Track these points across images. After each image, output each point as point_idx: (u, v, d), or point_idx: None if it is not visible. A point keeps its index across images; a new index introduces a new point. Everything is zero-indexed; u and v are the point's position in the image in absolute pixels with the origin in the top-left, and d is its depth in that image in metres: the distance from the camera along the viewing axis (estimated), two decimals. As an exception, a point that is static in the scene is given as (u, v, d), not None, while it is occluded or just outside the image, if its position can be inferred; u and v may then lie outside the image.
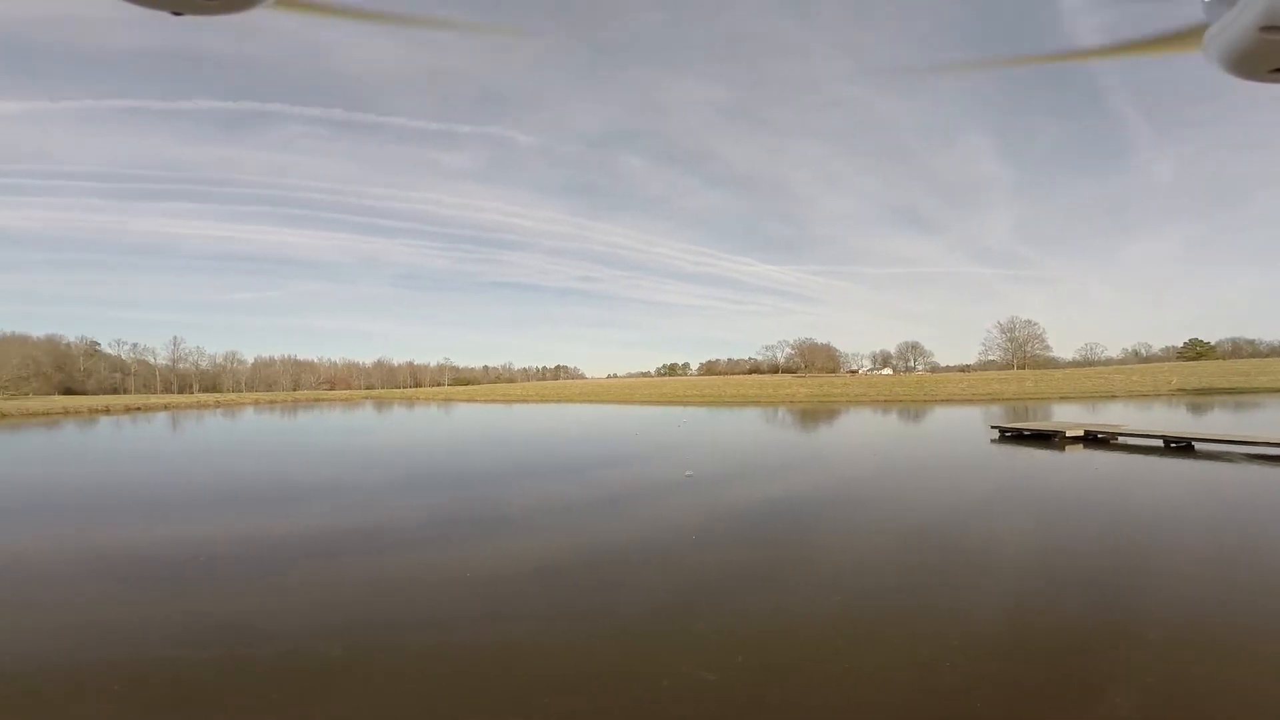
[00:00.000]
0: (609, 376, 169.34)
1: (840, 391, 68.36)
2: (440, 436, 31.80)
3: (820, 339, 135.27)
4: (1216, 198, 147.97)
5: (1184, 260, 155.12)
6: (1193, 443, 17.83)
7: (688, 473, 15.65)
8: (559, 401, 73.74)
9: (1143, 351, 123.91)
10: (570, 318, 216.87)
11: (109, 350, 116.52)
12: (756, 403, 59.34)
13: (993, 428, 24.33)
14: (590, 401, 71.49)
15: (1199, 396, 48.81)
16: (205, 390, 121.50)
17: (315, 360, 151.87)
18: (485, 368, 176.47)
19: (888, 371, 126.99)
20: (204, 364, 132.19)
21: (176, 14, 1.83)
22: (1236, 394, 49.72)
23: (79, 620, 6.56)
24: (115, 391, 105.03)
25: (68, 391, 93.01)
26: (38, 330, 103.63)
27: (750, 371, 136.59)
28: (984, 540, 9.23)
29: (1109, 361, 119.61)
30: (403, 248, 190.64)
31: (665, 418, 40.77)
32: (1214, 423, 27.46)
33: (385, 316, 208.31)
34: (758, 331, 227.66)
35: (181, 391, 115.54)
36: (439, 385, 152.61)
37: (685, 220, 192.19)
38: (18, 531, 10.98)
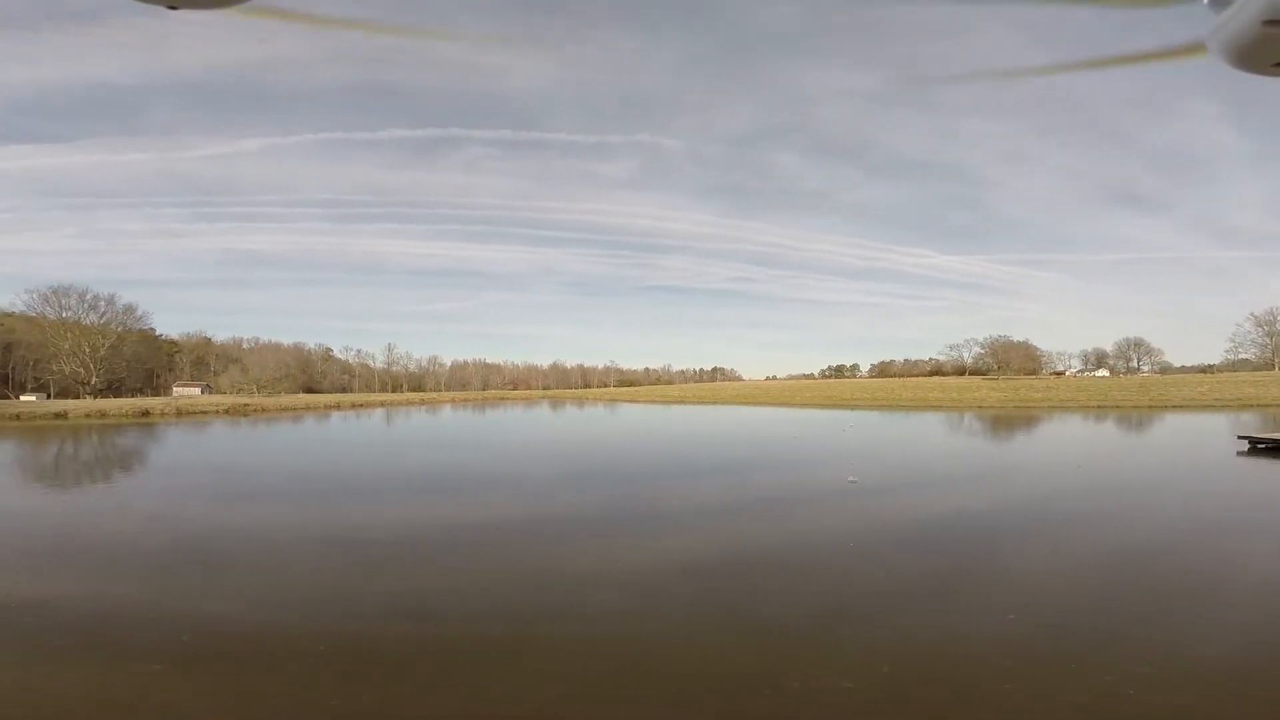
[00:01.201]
0: (767, 378, 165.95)
1: (1041, 396, 60.21)
2: (603, 435, 33.28)
3: (1017, 336, 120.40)
4: None
5: None
6: None
7: (851, 479, 14.83)
8: (715, 403, 73.73)
9: None
10: (726, 319, 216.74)
11: (339, 355, 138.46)
12: (938, 407, 54.46)
13: (1240, 437, 19.96)
14: (747, 403, 70.54)
15: None
16: (412, 389, 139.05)
17: (501, 363, 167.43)
18: (646, 369, 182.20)
19: (1103, 373, 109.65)
20: (411, 367, 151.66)
21: (171, 8, 2.01)
22: None
23: (294, 594, 7.58)
24: (344, 390, 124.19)
25: (309, 390, 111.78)
26: (285, 339, 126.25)
27: (931, 373, 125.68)
28: (1207, 572, 7.64)
29: None
30: (570, 256, 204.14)
31: (830, 421, 38.99)
32: None
33: (558, 322, 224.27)
34: (939, 329, 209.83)
35: (394, 390, 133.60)
36: (605, 386, 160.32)
37: (847, 214, 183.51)
38: (272, 511, 13.32)
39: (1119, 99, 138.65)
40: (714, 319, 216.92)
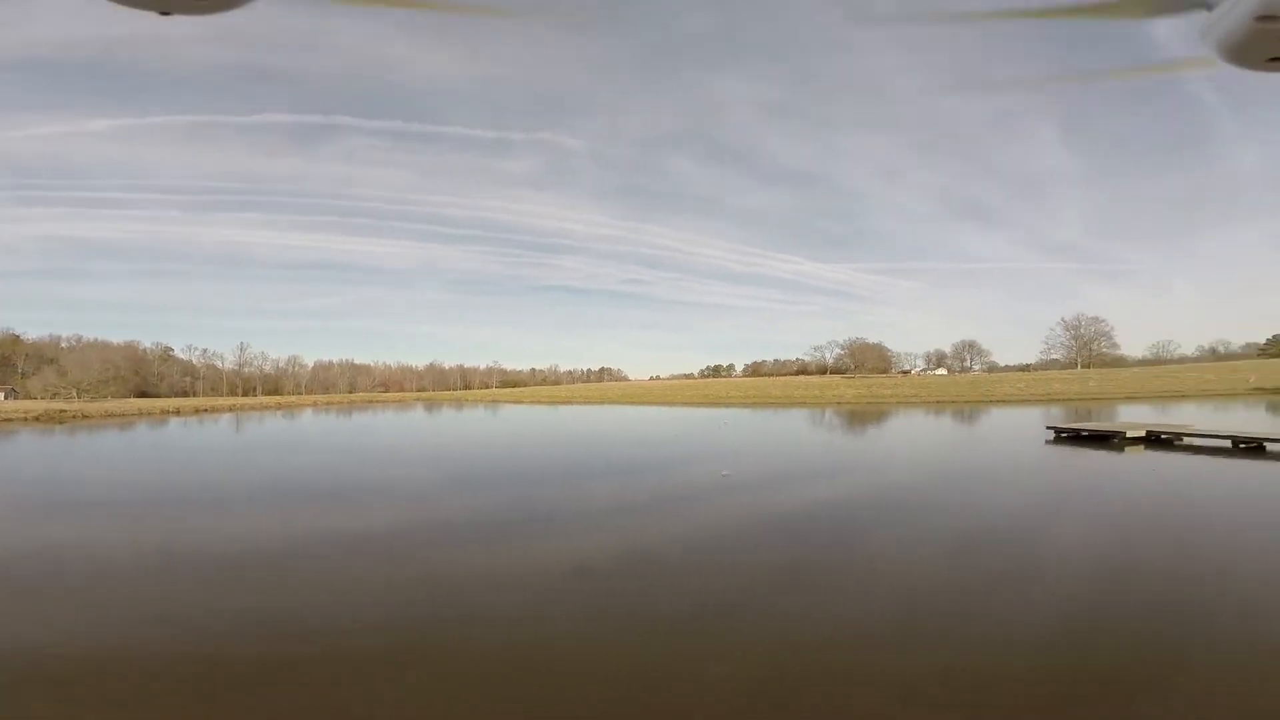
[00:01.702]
0: (652, 379, 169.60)
1: (890, 393, 66.64)
2: (485, 437, 32.54)
3: (873, 339, 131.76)
4: None
5: (1270, 253, 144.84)
6: (1265, 443, 16.73)
7: (724, 472, 15.64)
8: (601, 403, 74.36)
9: (1221, 349, 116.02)
10: (617, 320, 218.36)
11: (181, 355, 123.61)
12: (803, 404, 58.48)
13: (1048, 428, 23.36)
14: (632, 403, 71.85)
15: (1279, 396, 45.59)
16: (268, 393, 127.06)
17: (371, 364, 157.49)
18: (533, 370, 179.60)
19: (942, 372, 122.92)
20: (267, 368, 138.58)
21: (164, 14, 1.90)
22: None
23: (139, 614, 6.92)
24: (185, 394, 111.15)
25: (142, 394, 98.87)
26: (120, 337, 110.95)
27: (797, 373, 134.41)
28: (1030, 550, 8.88)
29: (1183, 359, 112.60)
30: (460, 254, 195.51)
31: (707, 419, 40.66)
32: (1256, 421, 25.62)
33: (440, 321, 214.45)
34: (808, 332, 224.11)
35: (246, 394, 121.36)
36: (487, 387, 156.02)
37: (735, 220, 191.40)
38: (92, 525, 11.76)
39: (979, 119, 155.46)
40: (607, 320, 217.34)
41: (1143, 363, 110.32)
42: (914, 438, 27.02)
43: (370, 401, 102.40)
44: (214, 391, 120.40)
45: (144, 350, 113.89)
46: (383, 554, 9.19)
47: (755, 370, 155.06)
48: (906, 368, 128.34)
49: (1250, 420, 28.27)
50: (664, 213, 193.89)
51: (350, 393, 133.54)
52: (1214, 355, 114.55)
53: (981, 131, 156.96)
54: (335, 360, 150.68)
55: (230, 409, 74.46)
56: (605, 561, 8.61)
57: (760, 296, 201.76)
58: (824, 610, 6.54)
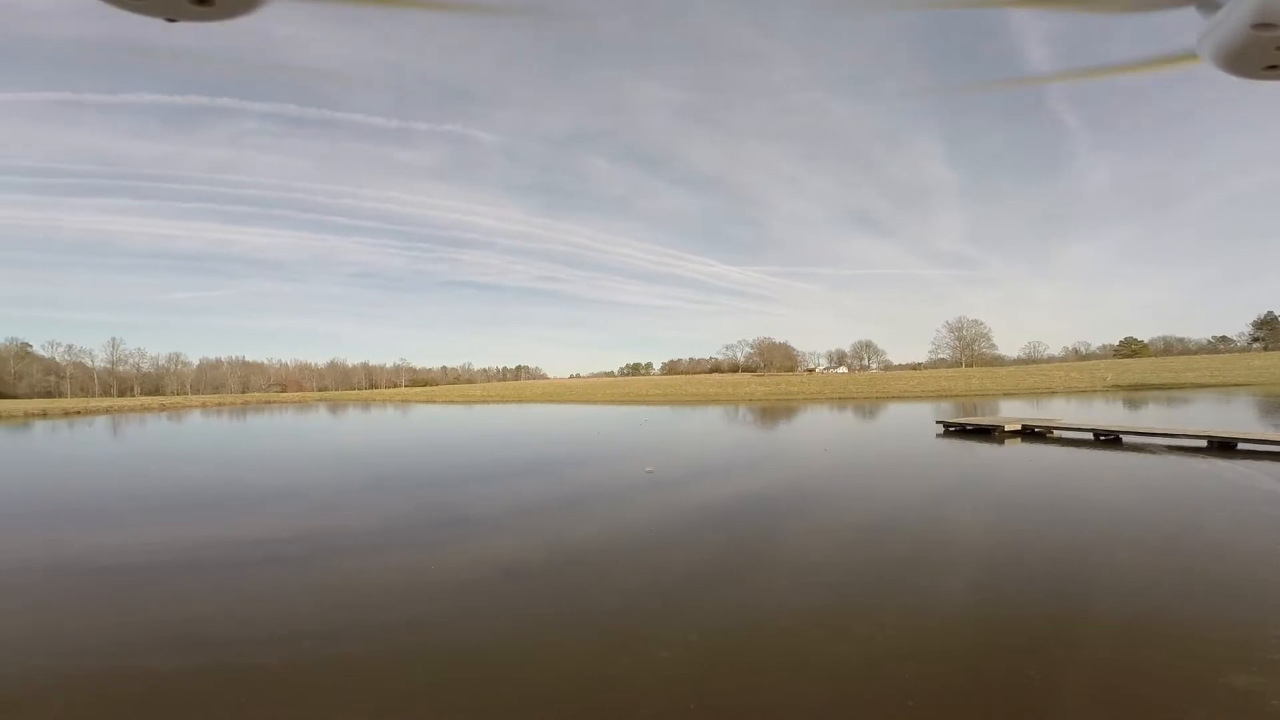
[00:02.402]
0: (571, 377, 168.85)
1: (798, 390, 69.79)
2: (396, 439, 31.34)
3: (779, 338, 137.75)
4: (1150, 202, 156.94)
5: (1120, 262, 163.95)
6: (1120, 435, 19.00)
7: (648, 469, 15.94)
8: (519, 402, 73.24)
9: (1082, 349, 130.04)
10: (532, 318, 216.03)
11: (41, 352, 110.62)
12: (718, 401, 60.13)
13: (937, 423, 25.32)
14: (552, 401, 71.25)
15: (1132, 392, 51.63)
16: (147, 393, 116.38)
17: (265, 362, 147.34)
18: (444, 369, 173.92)
19: (843, 370, 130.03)
20: (145, 366, 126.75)
21: (170, 20, 1.84)
22: (1166, 389, 52.78)
23: (29, 630, 6.42)
24: (50, 395, 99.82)
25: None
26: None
27: (711, 371, 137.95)
28: (931, 535, 9.65)
29: (1051, 359, 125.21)
30: (357, 246, 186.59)
31: (628, 417, 41.03)
32: (1142, 417, 29.19)
33: (339, 316, 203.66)
34: (719, 331, 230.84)
35: (122, 394, 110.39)
36: (396, 386, 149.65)
37: (648, 221, 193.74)
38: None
39: (871, 132, 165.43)
40: (520, 317, 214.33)
41: (1017, 362, 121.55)
42: (822, 432, 28.50)
43: (266, 401, 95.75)
44: (84, 392, 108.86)
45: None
46: (299, 563, 8.81)
47: (672, 368, 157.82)
48: (811, 366, 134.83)
49: (1107, 413, 31.88)
50: (579, 211, 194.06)
51: (243, 392, 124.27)
52: (1077, 355, 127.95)
53: (870, 143, 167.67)
54: (224, 358, 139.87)
55: (106, 410, 67.51)
56: (534, 562, 8.61)
57: (674, 296, 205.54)
58: (752, 599, 6.86)
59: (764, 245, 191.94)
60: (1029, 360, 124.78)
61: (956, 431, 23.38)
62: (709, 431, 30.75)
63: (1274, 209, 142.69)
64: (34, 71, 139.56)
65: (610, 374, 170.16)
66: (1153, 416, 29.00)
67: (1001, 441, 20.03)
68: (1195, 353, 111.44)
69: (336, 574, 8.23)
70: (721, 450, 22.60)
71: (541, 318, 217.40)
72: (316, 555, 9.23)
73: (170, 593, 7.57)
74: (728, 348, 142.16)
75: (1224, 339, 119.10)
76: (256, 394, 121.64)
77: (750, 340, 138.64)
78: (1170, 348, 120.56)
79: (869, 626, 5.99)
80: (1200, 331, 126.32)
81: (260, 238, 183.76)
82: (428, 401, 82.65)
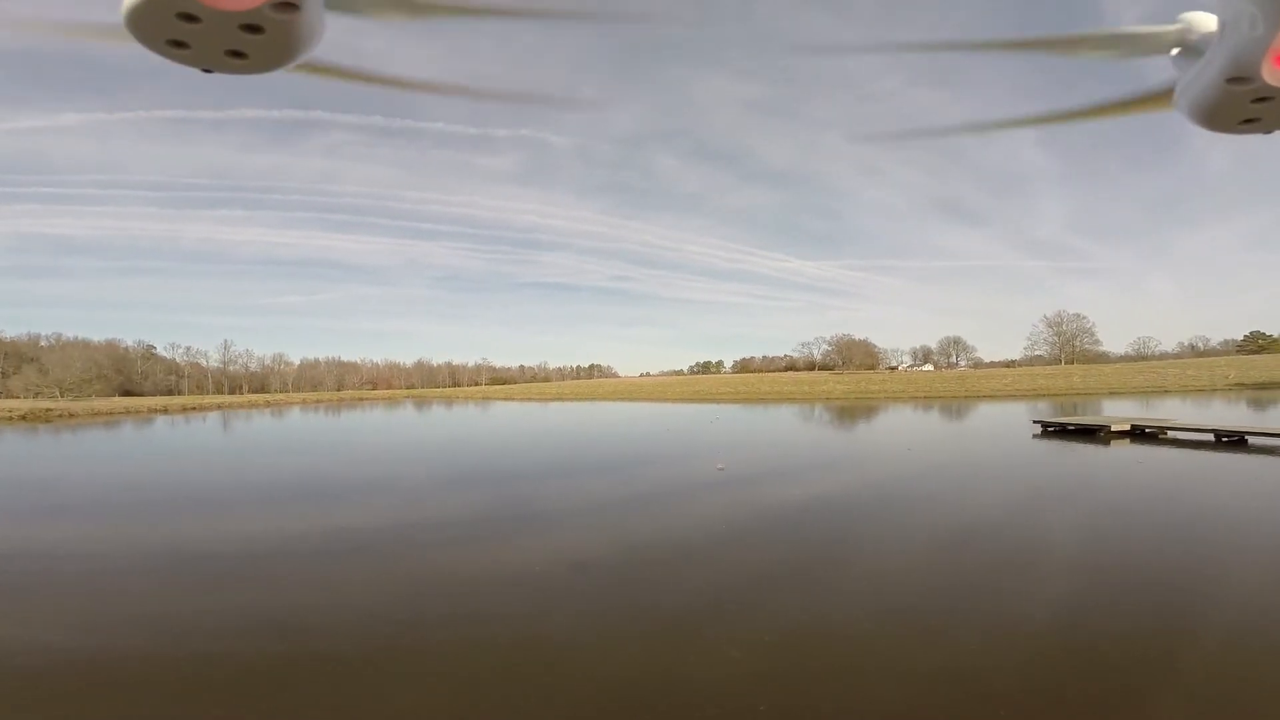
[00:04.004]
0: (642, 375, 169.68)
1: (879, 388, 67.17)
2: (478, 435, 32.38)
3: (858, 335, 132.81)
4: (1275, 187, 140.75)
5: (1244, 251, 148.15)
6: (1246, 436, 17.14)
7: (719, 466, 15.77)
8: (592, 399, 74.32)
9: (1200, 345, 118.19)
10: (604, 317, 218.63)
11: (164, 354, 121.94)
12: (792, 400, 58.81)
13: (1035, 423, 23.71)
14: (623, 399, 71.85)
15: (1258, 391, 46.52)
16: (254, 391, 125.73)
17: (359, 361, 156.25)
18: (521, 367, 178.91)
19: (929, 367, 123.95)
20: (253, 366, 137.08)
21: (206, 71, 1.99)
22: (1302, 388, 47.23)
23: (138, 613, 6.90)
24: (170, 393, 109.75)
25: (126, 393, 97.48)
26: (98, 335, 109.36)
27: (786, 369, 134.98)
28: (1024, 542, 9.00)
29: (1163, 356, 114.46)
30: (442, 250, 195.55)
31: (699, 415, 40.82)
32: (1273, 418, 26.17)
33: (426, 317, 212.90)
34: (794, 328, 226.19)
35: (232, 392, 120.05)
36: (476, 384, 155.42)
37: (721, 218, 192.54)
38: (90, 526, 11.65)
39: (958, 119, 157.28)
40: (593, 316, 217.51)
41: (1124, 359, 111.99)
42: (905, 432, 27.32)
43: (359, 399, 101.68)
44: (199, 390, 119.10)
45: (126, 349, 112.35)
46: (385, 552, 9.07)
47: (744, 366, 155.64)
48: (893, 364, 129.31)
49: (1229, 414, 28.82)
50: (650, 210, 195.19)
51: (339, 390, 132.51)
52: (1194, 351, 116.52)
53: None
54: (321, 358, 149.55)
55: (218, 407, 73.71)
56: (605, 558, 8.63)
57: (746, 293, 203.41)
58: (825, 604, 6.62)
59: (843, 238, 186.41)
60: (1138, 357, 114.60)
61: (1056, 432, 21.81)
62: (783, 431, 30.09)
63: None
64: (152, 90, 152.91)
65: (680, 372, 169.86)
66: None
67: (1107, 443, 18.51)
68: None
69: (417, 564, 8.43)
70: (795, 449, 22.06)
71: (613, 317, 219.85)
72: (399, 546, 9.45)
73: (265, 580, 7.93)
74: (803, 345, 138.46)
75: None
76: (350, 392, 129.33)
77: (828, 337, 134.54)
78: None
79: (948, 638, 5.63)
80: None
81: (356, 244, 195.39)
82: (506, 399, 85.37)
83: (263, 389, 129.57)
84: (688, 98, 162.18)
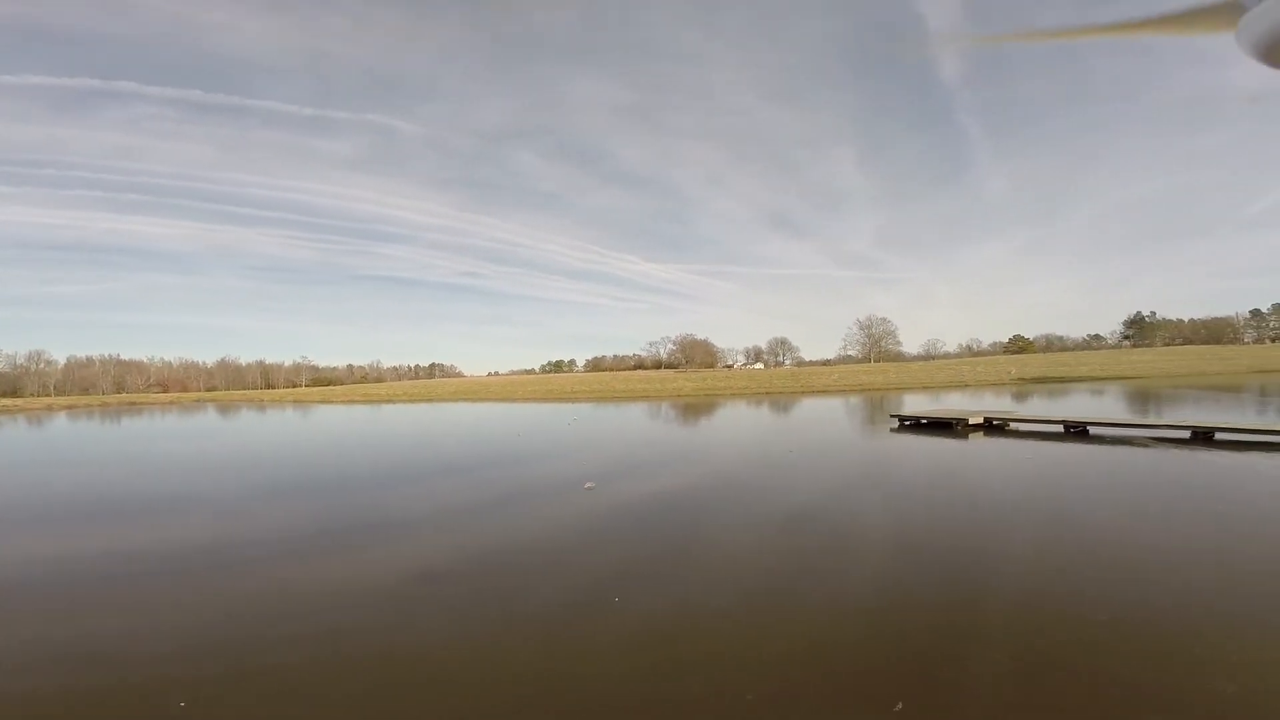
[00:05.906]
0: (490, 374, 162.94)
1: (724, 385, 69.31)
2: (295, 442, 27.56)
3: (700, 335, 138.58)
4: (1039, 210, 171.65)
5: (1010, 265, 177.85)
6: (1088, 427, 18.62)
7: (588, 485, 13.33)
8: (430, 401, 68.61)
9: (974, 346, 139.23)
10: (453, 315, 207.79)
11: None
12: (646, 397, 58.49)
13: (892, 416, 24.55)
14: (467, 400, 67.27)
15: (1036, 384, 54.42)
16: (3, 395, 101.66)
17: (145, 360, 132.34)
18: (350, 367, 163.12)
19: (760, 365, 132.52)
20: (1, 364, 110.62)
21: None
22: (1065, 381, 56.11)
23: None
24: None
25: None
26: None
27: (635, 368, 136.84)
28: (936, 539, 8.30)
29: (947, 355, 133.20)
30: (261, 237, 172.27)
31: (554, 415, 38.40)
32: (1079, 407, 29.65)
33: (236, 311, 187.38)
34: (642, 329, 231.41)
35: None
36: (295, 386, 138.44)
37: (577, 218, 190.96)
38: None
39: (794, 139, 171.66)
40: (440, 314, 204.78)
41: (918, 358, 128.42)
42: (772, 429, 27.16)
43: (139, 403, 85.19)
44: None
45: None
46: (211, 571, 8.07)
47: (596, 365, 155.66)
48: (730, 362, 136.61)
49: (1044, 406, 32.42)
50: (505, 206, 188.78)
51: (117, 393, 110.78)
52: (970, 352, 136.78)
53: (793, 149, 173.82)
54: (97, 356, 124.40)
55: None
56: (456, 566, 8.04)
57: (600, 293, 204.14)
58: (693, 597, 6.56)
59: (690, 243, 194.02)
60: (928, 356, 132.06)
61: (912, 425, 22.57)
62: (638, 428, 28.67)
63: (1143, 222, 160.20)
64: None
65: (531, 371, 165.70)
66: (1084, 406, 29.59)
67: (966, 436, 19.25)
68: (1074, 349, 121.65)
69: (251, 582, 7.58)
70: (650, 447, 20.61)
71: (464, 314, 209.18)
72: (227, 563, 8.44)
73: (62, 609, 6.88)
74: (651, 344, 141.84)
75: (1097, 337, 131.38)
76: (131, 395, 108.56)
77: (672, 337, 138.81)
78: (1051, 345, 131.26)
79: (785, 614, 5.95)
80: (1077, 330, 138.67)
81: (152, 227, 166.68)
82: (325, 402, 75.90)
83: (15, 393, 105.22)
84: (557, 96, 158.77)
